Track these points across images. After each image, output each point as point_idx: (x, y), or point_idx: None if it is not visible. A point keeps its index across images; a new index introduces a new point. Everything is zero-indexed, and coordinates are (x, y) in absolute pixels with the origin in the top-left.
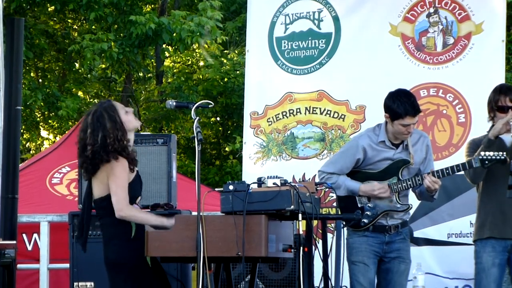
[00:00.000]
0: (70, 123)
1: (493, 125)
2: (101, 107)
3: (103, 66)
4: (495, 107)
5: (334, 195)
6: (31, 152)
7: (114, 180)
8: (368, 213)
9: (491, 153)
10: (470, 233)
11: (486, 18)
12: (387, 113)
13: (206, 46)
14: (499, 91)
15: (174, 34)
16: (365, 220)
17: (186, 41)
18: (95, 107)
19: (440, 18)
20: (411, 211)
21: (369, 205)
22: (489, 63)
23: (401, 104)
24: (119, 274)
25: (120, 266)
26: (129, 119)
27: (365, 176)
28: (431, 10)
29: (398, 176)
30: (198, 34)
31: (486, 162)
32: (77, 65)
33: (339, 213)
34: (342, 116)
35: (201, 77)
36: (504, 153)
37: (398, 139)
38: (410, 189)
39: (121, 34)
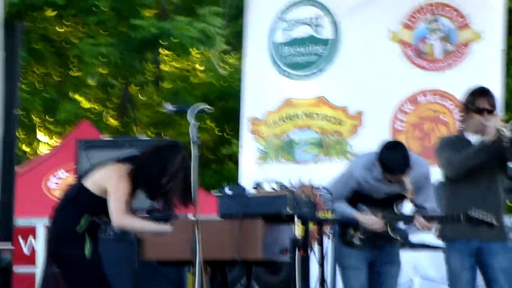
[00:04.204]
0: (68, 127)
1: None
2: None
3: (102, 71)
4: (472, 107)
5: None
6: (27, 155)
7: (113, 192)
8: (361, 236)
9: (482, 213)
10: None
11: (485, 27)
12: (379, 162)
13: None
14: (478, 93)
15: (174, 40)
16: (357, 242)
17: (188, 49)
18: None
19: (439, 25)
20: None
21: None
22: (487, 71)
23: (390, 159)
24: (54, 261)
25: (54, 253)
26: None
27: (362, 199)
28: (431, 17)
29: (393, 209)
30: (199, 41)
31: (474, 221)
32: (76, 73)
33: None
34: (340, 122)
35: (198, 81)
36: (494, 218)
37: None
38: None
39: (121, 39)
